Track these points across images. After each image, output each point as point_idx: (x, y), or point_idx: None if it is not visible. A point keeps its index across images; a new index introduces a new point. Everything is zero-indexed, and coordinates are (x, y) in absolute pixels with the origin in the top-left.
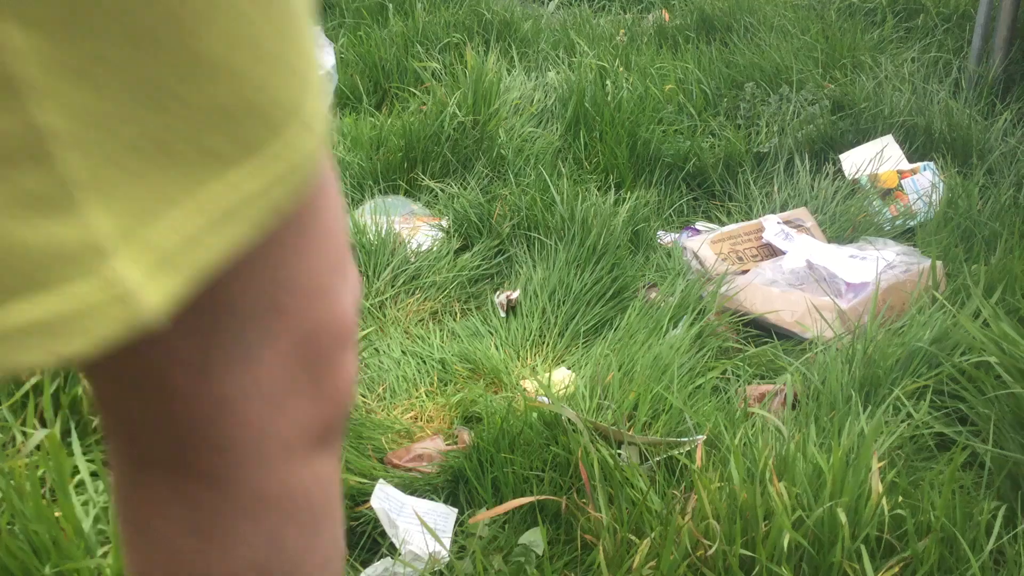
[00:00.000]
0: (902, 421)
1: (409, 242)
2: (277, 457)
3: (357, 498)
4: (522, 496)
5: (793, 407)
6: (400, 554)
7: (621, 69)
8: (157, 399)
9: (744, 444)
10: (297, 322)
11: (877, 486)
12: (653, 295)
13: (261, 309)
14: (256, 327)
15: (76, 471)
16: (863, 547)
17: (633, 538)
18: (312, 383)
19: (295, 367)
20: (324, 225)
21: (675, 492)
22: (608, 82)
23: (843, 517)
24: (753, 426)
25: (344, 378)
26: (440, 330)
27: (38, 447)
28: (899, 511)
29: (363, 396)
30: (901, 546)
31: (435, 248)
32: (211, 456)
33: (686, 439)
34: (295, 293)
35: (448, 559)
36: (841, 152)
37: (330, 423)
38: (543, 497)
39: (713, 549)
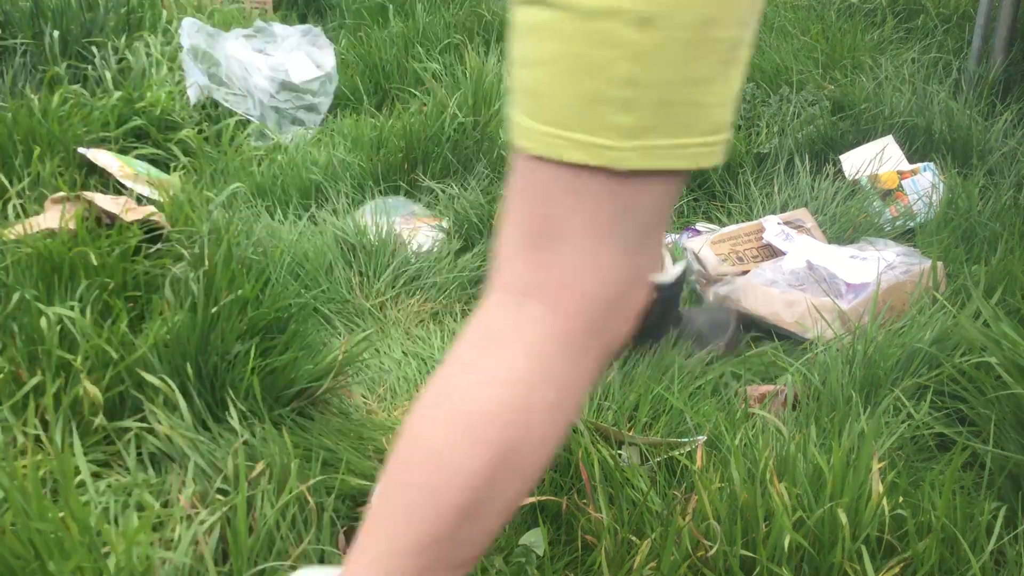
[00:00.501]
0: (902, 422)
1: (410, 243)
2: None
3: (358, 499)
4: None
5: (793, 407)
6: None
7: None
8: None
9: (744, 445)
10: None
11: (878, 486)
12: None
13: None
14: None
15: (77, 471)
16: (863, 547)
17: (634, 539)
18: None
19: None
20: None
21: (676, 493)
22: None
23: (843, 518)
24: (753, 427)
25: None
26: (441, 331)
27: (39, 445)
28: (900, 511)
29: (364, 397)
30: (902, 546)
31: (436, 249)
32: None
33: (686, 439)
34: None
35: None
36: (841, 153)
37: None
38: (544, 498)
39: (714, 550)
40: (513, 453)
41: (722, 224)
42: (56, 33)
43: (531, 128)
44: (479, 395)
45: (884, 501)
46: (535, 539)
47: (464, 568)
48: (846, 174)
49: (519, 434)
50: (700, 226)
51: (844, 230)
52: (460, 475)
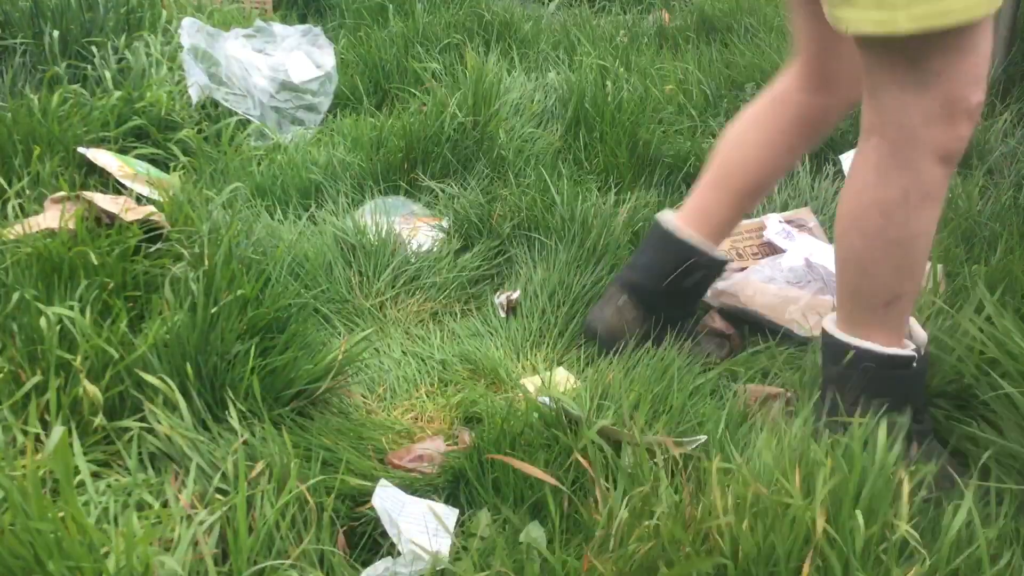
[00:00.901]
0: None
1: (409, 242)
2: (923, 148)
3: (358, 498)
4: (523, 496)
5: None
6: (400, 554)
7: (621, 70)
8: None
9: (746, 444)
10: (947, 87)
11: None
12: None
13: (937, 67)
14: (929, 72)
15: (76, 471)
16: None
17: (638, 534)
18: (945, 126)
19: (939, 109)
20: (977, 52)
21: (681, 481)
22: (608, 83)
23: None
24: (753, 426)
25: (961, 135)
26: (440, 331)
27: (39, 443)
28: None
29: (363, 397)
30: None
31: (435, 248)
32: (887, 126)
33: (687, 439)
34: (951, 73)
35: (449, 559)
36: (841, 153)
37: (949, 154)
38: (552, 481)
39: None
40: (884, 230)
41: None
42: (56, 33)
43: (848, 17)
44: (851, 202)
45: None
46: (536, 534)
47: (893, 304)
48: (846, 174)
49: (883, 221)
50: None
51: None
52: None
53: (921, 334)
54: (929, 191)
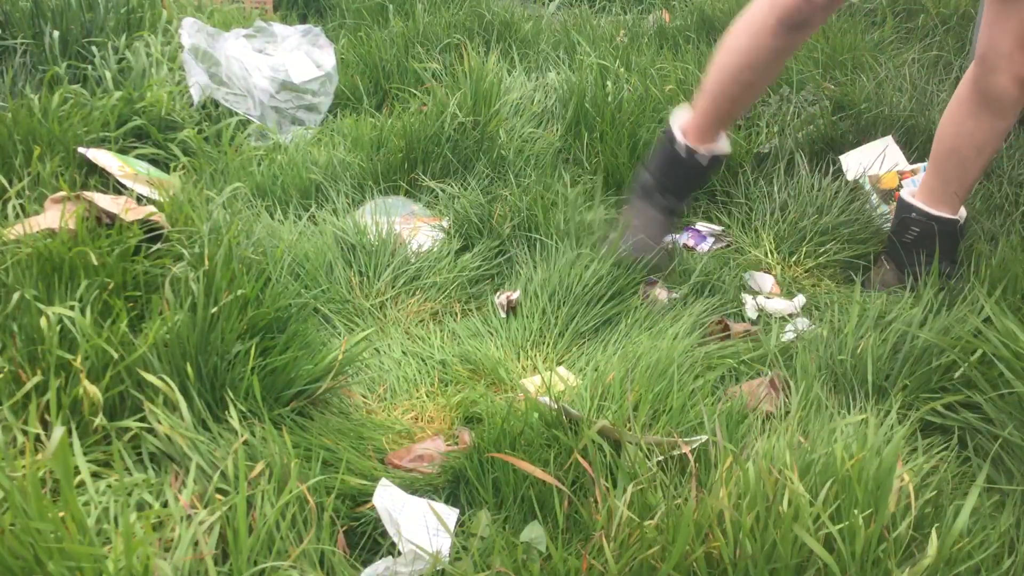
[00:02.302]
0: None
1: (410, 243)
2: (1008, 87)
3: (358, 498)
4: (524, 496)
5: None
6: (401, 553)
7: (621, 70)
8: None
9: (746, 443)
10: None
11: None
12: (656, 291)
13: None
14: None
15: (76, 471)
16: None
17: (641, 532)
18: None
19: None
20: None
21: (680, 480)
22: (609, 83)
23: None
24: (755, 422)
25: None
26: (441, 331)
27: (39, 444)
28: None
29: (363, 397)
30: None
31: (435, 249)
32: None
33: (687, 439)
34: None
35: (449, 559)
36: (841, 153)
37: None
38: (552, 481)
39: (724, 544)
40: (742, 71)
41: (722, 224)
42: (56, 33)
43: None
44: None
45: (912, 499)
46: (535, 534)
47: None
48: (846, 174)
49: (748, 63)
50: (700, 226)
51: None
52: None
53: None
54: None
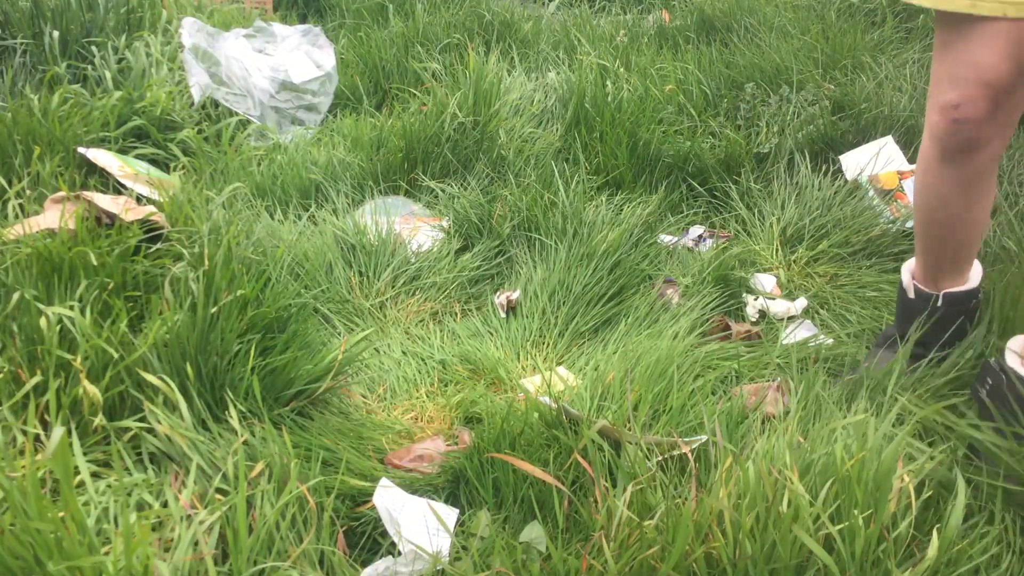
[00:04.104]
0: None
1: (409, 243)
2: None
3: (358, 498)
4: (524, 496)
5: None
6: (401, 553)
7: (621, 70)
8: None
9: (745, 443)
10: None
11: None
12: (670, 293)
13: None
14: None
15: (76, 471)
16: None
17: (640, 532)
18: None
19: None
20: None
21: (680, 480)
22: (608, 83)
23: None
24: (754, 423)
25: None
26: (440, 331)
27: (39, 444)
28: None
29: (363, 397)
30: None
31: (435, 249)
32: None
33: (687, 439)
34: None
35: (449, 559)
36: (841, 153)
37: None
38: (552, 481)
39: (724, 544)
40: (934, 210)
41: (722, 224)
42: (56, 33)
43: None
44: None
45: (912, 498)
46: (535, 534)
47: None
48: (846, 174)
49: (934, 202)
50: (700, 225)
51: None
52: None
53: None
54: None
